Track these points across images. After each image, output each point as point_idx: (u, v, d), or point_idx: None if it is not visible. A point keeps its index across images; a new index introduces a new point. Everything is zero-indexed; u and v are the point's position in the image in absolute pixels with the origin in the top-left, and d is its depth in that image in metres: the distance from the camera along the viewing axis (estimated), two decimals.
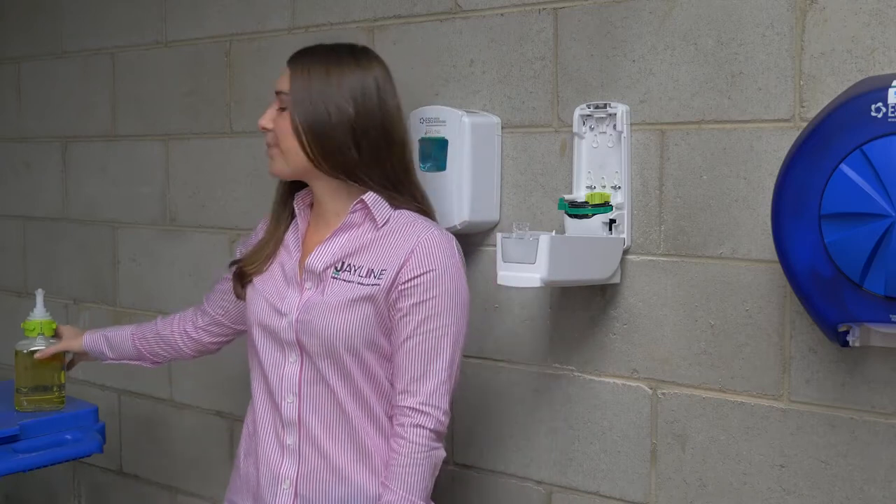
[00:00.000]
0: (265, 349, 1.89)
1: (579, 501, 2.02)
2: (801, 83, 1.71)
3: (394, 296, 1.78)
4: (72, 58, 3.05)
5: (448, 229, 2.02)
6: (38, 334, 2.34)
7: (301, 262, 1.88)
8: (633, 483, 1.94)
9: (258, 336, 1.90)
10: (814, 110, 1.67)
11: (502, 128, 2.08)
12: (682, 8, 1.83)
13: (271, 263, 1.93)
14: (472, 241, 2.13)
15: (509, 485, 2.12)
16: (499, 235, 1.76)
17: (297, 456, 1.84)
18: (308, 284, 1.85)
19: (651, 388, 1.91)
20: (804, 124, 1.68)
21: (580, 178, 1.95)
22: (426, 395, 1.76)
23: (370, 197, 1.83)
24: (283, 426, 1.85)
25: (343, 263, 1.83)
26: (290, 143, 1.83)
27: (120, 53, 2.90)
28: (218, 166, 2.67)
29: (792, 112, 1.72)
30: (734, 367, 1.81)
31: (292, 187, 1.95)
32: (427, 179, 2.06)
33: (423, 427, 1.75)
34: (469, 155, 2.03)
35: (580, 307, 1.99)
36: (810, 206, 1.53)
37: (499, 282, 1.77)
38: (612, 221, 1.89)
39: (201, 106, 2.70)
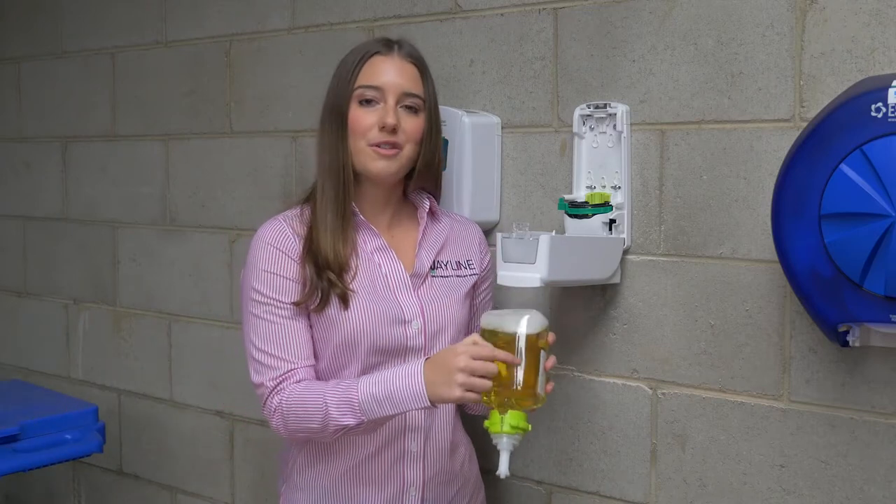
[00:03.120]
0: (381, 363, 1.78)
1: (579, 501, 2.02)
2: (801, 83, 1.71)
3: (479, 281, 1.93)
4: (72, 58, 3.05)
5: None
6: None
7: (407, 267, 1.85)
8: (633, 483, 1.94)
9: (367, 354, 1.78)
10: (814, 110, 1.67)
11: (502, 128, 2.08)
12: (682, 8, 1.83)
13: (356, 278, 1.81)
14: None
15: (509, 485, 2.12)
16: (499, 235, 1.76)
17: (423, 460, 1.83)
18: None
19: (651, 388, 1.91)
20: (804, 124, 1.68)
21: (580, 178, 1.95)
22: None
23: (427, 194, 1.90)
24: (406, 433, 1.81)
25: (434, 262, 1.87)
26: (412, 148, 1.81)
27: (120, 53, 2.90)
28: (218, 166, 2.67)
29: (792, 112, 1.72)
30: (734, 367, 1.81)
31: (347, 197, 1.82)
32: None
33: None
34: (469, 155, 2.03)
35: (580, 307, 1.99)
36: (810, 206, 1.53)
37: (499, 282, 1.77)
38: (612, 221, 1.89)
39: (201, 106, 2.70)
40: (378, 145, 1.78)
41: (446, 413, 1.86)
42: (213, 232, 2.69)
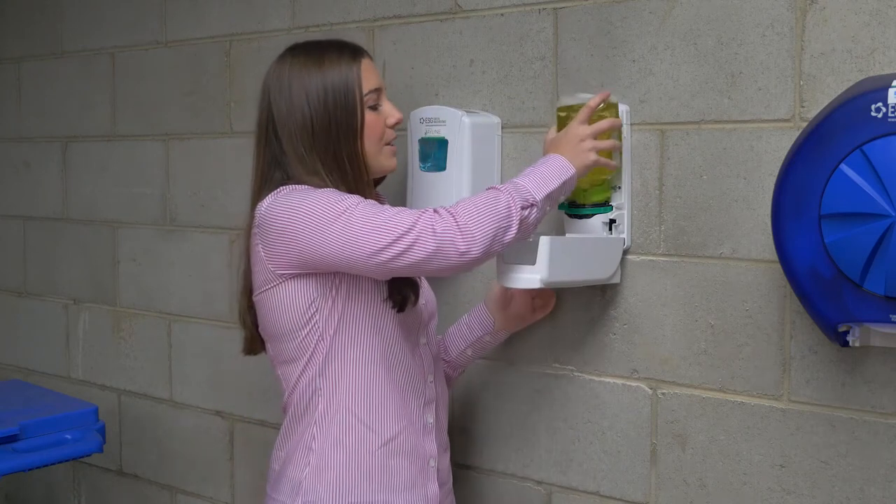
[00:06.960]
0: (401, 338, 1.82)
1: (579, 501, 2.02)
2: (801, 83, 1.71)
3: None
4: (72, 58, 3.05)
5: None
6: None
7: None
8: (633, 483, 1.94)
9: (397, 332, 1.82)
10: (814, 110, 1.67)
11: (502, 128, 2.08)
12: (682, 8, 1.83)
13: None
14: None
15: (509, 485, 2.12)
16: None
17: (435, 432, 1.89)
18: None
19: (651, 388, 1.91)
20: (804, 124, 1.68)
21: None
22: None
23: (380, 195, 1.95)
24: (425, 405, 1.87)
25: None
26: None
27: (120, 53, 2.90)
28: (218, 166, 2.67)
29: (792, 112, 1.72)
30: (734, 367, 1.81)
31: None
32: (427, 179, 2.06)
33: None
34: (469, 155, 2.03)
35: (580, 307, 1.99)
36: (810, 206, 1.53)
37: (499, 283, 1.77)
38: (612, 221, 1.89)
39: (201, 106, 2.70)
40: (389, 143, 1.86)
41: (444, 386, 1.95)
42: (214, 232, 2.69)
